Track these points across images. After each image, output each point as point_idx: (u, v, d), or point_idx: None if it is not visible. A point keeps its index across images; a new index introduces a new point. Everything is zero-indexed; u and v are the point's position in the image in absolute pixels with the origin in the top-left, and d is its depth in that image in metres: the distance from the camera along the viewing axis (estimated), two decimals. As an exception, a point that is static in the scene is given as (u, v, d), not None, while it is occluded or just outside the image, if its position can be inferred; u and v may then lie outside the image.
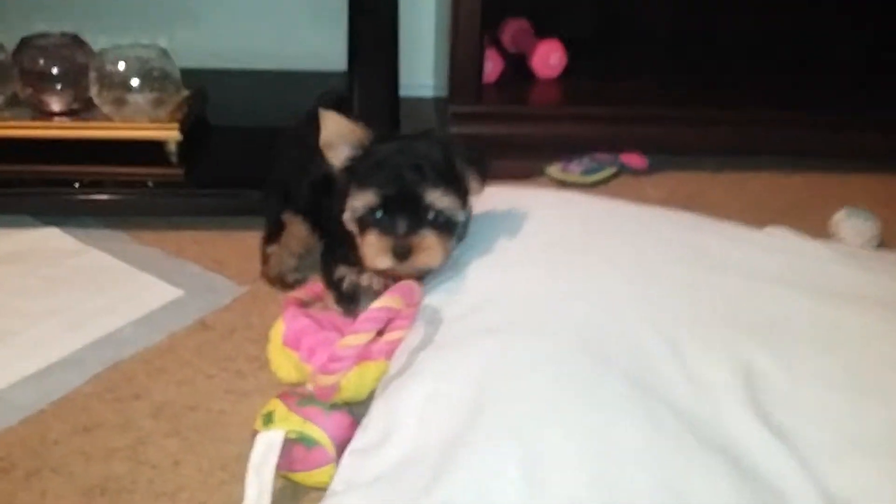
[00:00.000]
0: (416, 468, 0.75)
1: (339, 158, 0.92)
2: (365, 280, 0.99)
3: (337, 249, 1.00)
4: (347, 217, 0.91)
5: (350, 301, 1.01)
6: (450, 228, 0.91)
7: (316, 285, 1.06)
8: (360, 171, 0.90)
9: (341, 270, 1.00)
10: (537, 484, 0.71)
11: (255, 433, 0.81)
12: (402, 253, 0.88)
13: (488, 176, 0.94)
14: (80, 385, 0.96)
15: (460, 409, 0.78)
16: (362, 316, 0.86)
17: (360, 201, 0.89)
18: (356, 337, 0.84)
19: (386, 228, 0.88)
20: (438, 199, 0.88)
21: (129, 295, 1.12)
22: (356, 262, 0.94)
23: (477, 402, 0.78)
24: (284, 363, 0.92)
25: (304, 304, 1.01)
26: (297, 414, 0.81)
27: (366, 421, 0.83)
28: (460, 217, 0.92)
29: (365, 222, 0.89)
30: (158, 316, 1.08)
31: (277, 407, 0.82)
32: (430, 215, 0.89)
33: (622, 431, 0.74)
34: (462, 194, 0.92)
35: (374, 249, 0.88)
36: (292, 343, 0.91)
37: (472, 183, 0.93)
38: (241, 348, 1.04)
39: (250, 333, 1.06)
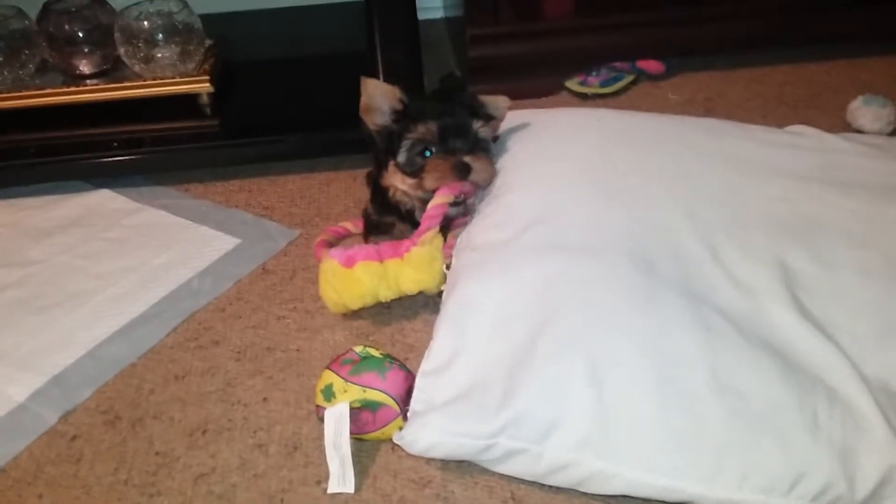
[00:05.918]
0: (489, 385, 0.83)
1: (380, 118, 1.05)
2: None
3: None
4: (402, 157, 1.03)
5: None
6: (489, 153, 1.07)
7: (340, 227, 1.17)
8: (411, 115, 1.03)
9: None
10: (602, 391, 0.79)
11: (318, 408, 0.87)
12: (463, 169, 1.01)
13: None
14: (164, 337, 1.04)
15: (523, 326, 0.85)
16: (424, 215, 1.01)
17: (418, 133, 1.02)
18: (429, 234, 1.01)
19: (445, 153, 1.02)
20: (481, 129, 1.05)
21: (192, 248, 1.18)
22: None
23: (539, 318, 0.85)
24: (327, 290, 1.01)
25: (329, 245, 1.13)
26: (355, 383, 0.85)
27: (432, 344, 0.90)
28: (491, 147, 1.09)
29: (421, 153, 1.02)
30: (222, 265, 1.15)
31: (333, 380, 0.86)
32: (476, 142, 1.04)
33: (675, 336, 0.81)
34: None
35: (439, 169, 1.01)
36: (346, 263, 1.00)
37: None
38: (304, 289, 1.10)
39: (310, 274, 1.11)
